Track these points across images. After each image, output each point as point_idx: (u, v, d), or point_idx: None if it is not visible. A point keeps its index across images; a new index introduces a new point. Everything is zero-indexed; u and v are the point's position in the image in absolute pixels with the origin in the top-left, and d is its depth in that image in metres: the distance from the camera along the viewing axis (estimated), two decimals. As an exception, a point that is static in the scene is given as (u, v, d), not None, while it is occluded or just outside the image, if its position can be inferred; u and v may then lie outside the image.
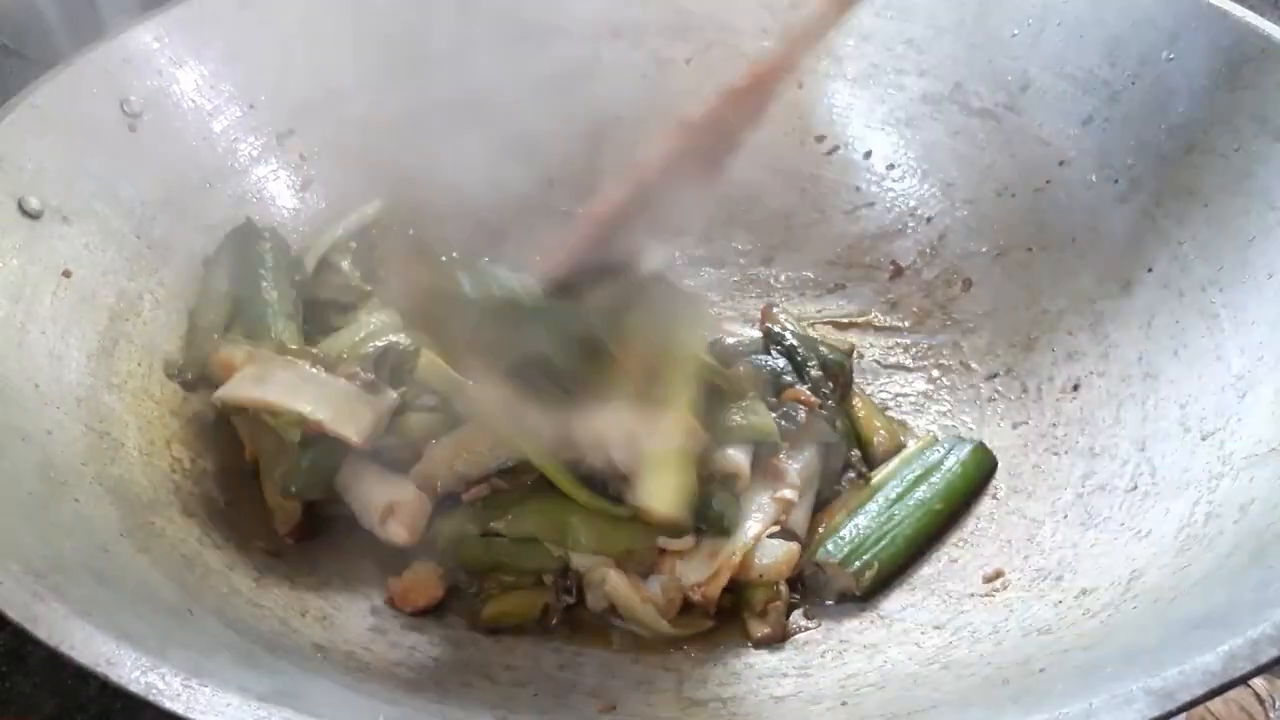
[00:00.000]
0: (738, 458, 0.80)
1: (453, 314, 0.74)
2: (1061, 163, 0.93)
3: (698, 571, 0.76)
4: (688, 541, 0.76)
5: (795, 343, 0.91)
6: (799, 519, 0.81)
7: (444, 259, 0.83)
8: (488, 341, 0.74)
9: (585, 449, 0.75)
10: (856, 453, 0.87)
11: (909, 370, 0.98)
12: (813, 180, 1.09)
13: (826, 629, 0.76)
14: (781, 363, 0.90)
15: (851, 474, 0.86)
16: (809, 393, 0.86)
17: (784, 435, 0.82)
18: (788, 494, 0.80)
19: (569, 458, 0.76)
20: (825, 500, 0.85)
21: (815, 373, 0.89)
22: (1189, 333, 0.78)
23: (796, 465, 0.82)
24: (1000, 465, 0.85)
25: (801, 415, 0.83)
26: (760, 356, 0.90)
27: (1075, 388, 0.85)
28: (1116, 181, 0.88)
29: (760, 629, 0.75)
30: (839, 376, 0.91)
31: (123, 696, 0.49)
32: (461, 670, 0.71)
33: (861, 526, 0.80)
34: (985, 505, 0.83)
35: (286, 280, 0.92)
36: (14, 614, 0.52)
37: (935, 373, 0.97)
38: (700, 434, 0.76)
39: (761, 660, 0.73)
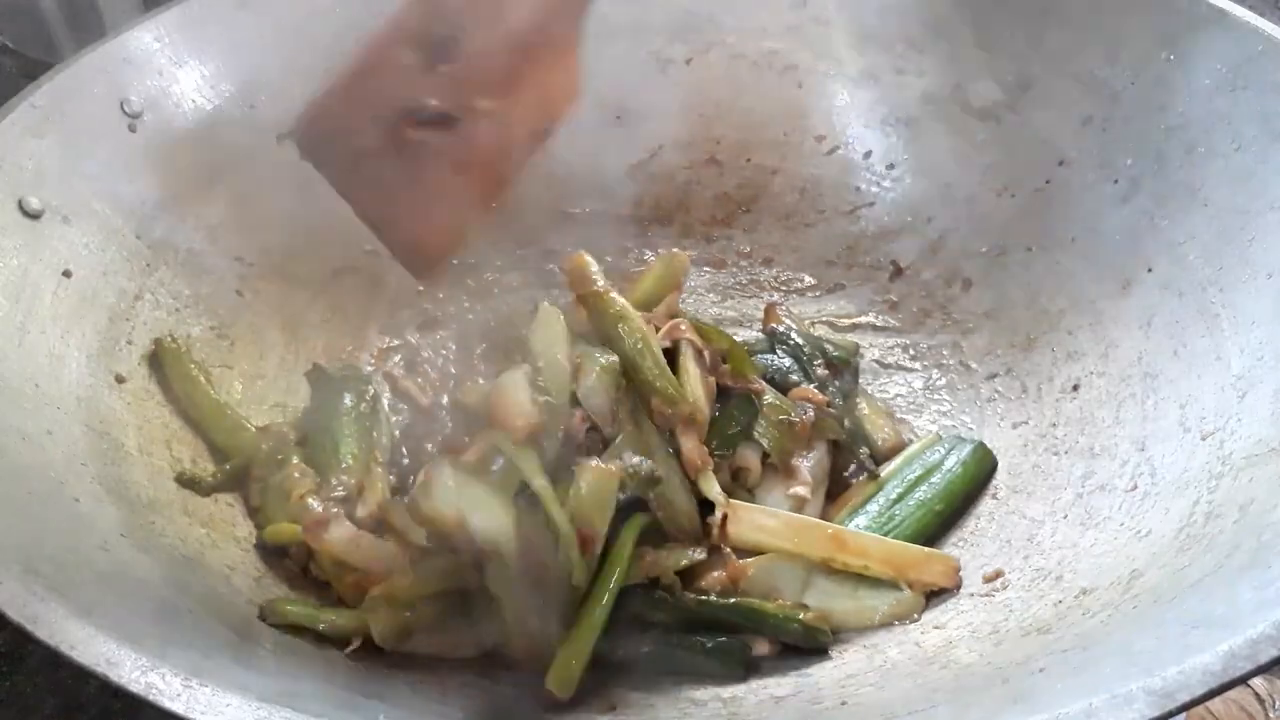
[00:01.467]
0: (747, 454, 0.81)
1: None
2: (1061, 163, 0.94)
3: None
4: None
5: (800, 341, 0.91)
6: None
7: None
8: None
9: None
10: (865, 450, 0.87)
11: (909, 370, 0.98)
12: (813, 180, 1.09)
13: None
14: (788, 362, 0.90)
15: (861, 472, 0.86)
16: (816, 391, 0.86)
17: (795, 434, 0.82)
18: (801, 491, 0.81)
19: None
20: (832, 497, 0.85)
21: (821, 371, 0.90)
22: (1189, 333, 0.78)
23: (808, 463, 0.83)
24: (1000, 465, 0.86)
25: (810, 414, 0.84)
26: (766, 355, 0.90)
27: (1075, 388, 0.85)
28: (1116, 181, 0.88)
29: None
30: (844, 374, 0.92)
31: (123, 696, 0.49)
32: (462, 671, 0.71)
33: (862, 527, 0.80)
34: (985, 505, 0.83)
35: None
36: (14, 614, 0.52)
37: (935, 373, 0.97)
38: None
39: (761, 660, 0.73)
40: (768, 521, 0.77)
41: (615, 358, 0.78)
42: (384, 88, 0.72)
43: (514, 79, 0.73)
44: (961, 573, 0.77)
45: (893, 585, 0.76)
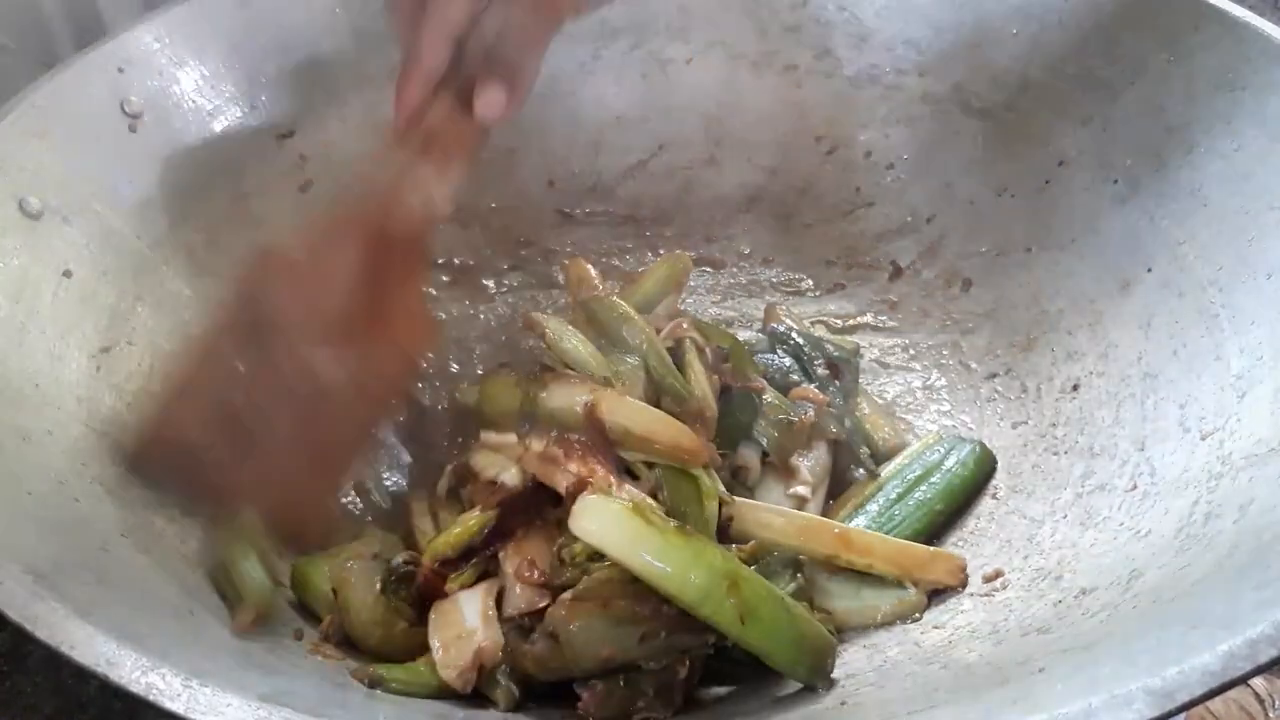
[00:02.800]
0: (746, 453, 0.81)
1: None
2: (1061, 163, 0.93)
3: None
4: None
5: (801, 341, 0.91)
6: (812, 516, 0.81)
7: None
8: None
9: None
10: (865, 450, 0.87)
11: (908, 370, 0.98)
12: (813, 180, 1.09)
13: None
14: (788, 362, 0.90)
15: (861, 471, 0.86)
16: (816, 391, 0.86)
17: (795, 433, 0.82)
18: (801, 490, 0.81)
19: None
20: (833, 497, 0.85)
21: (821, 371, 0.90)
22: (1188, 333, 0.78)
23: (809, 463, 0.83)
24: (1000, 465, 0.86)
25: (811, 413, 0.84)
26: (766, 355, 0.90)
27: (1075, 388, 0.85)
28: (1116, 182, 0.88)
29: None
30: (845, 374, 0.92)
31: (123, 697, 0.49)
32: (461, 670, 0.71)
33: (862, 527, 0.80)
34: (985, 505, 0.83)
35: None
36: (14, 614, 0.52)
37: (935, 373, 0.97)
38: None
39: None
40: (773, 520, 0.77)
41: (638, 359, 0.78)
42: (212, 392, 0.74)
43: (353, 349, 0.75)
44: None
45: (895, 584, 0.76)
